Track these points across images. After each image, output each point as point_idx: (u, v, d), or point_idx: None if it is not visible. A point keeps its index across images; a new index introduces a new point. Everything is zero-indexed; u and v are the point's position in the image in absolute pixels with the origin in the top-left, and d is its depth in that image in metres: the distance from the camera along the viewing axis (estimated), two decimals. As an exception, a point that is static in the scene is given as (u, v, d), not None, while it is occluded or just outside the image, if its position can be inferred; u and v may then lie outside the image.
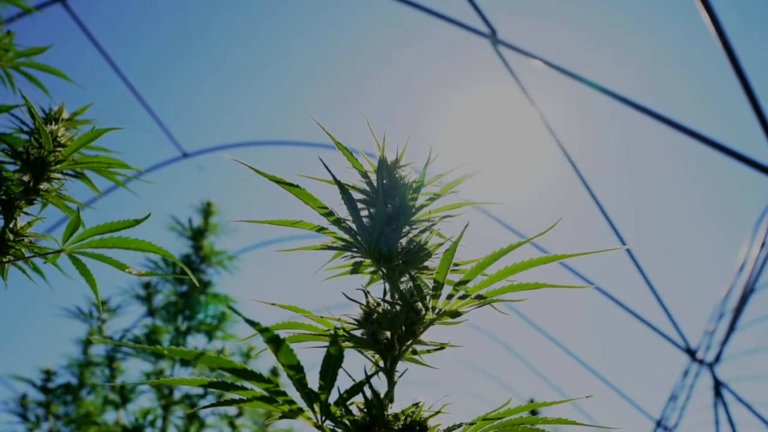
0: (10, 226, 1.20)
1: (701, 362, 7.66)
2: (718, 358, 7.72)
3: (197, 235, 4.68)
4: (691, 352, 7.27)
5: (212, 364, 0.71)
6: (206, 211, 4.82)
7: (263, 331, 0.67)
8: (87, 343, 5.06)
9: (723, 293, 7.58)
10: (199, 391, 4.13)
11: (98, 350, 5.03)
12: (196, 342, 4.39)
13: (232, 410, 4.38)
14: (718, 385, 7.81)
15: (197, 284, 1.23)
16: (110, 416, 5.16)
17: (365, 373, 0.78)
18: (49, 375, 4.93)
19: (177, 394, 4.09)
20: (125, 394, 4.16)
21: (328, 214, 0.90)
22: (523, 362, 10.96)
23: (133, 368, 4.49)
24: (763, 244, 6.27)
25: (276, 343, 0.69)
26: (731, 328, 7.28)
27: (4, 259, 1.18)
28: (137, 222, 1.18)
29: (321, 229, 0.92)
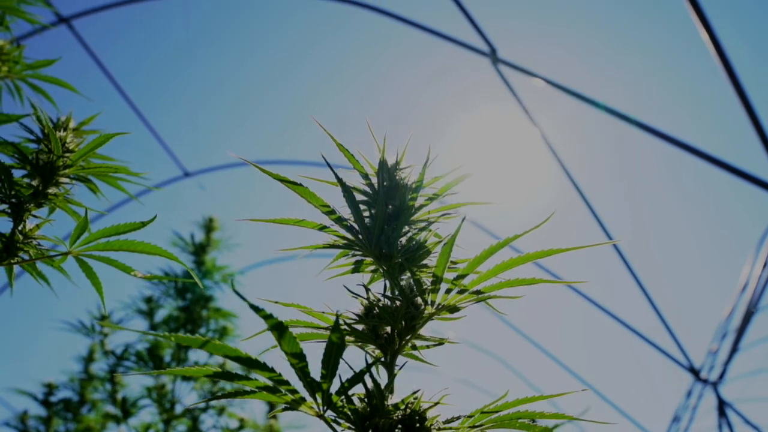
0: (19, 228, 1.23)
1: (705, 382, 7.62)
2: (721, 378, 7.67)
3: (199, 250, 4.69)
4: (694, 372, 7.24)
5: (218, 352, 0.73)
6: (208, 227, 4.84)
7: (267, 317, 0.69)
8: (88, 359, 5.06)
9: (726, 312, 7.56)
10: (201, 405, 4.13)
11: (100, 366, 5.02)
12: (198, 356, 4.39)
13: (233, 423, 4.37)
14: (722, 405, 7.76)
15: (202, 287, 1.25)
16: (111, 432, 5.14)
17: (366, 362, 0.80)
18: (51, 389, 4.92)
19: (179, 408, 4.09)
20: (127, 408, 4.15)
21: (330, 212, 0.92)
22: (522, 379, 10.90)
23: (135, 383, 4.48)
24: (765, 263, 6.26)
25: (279, 330, 0.71)
26: (734, 348, 7.25)
27: (13, 261, 1.20)
28: (144, 224, 1.20)
29: (323, 228, 0.95)
